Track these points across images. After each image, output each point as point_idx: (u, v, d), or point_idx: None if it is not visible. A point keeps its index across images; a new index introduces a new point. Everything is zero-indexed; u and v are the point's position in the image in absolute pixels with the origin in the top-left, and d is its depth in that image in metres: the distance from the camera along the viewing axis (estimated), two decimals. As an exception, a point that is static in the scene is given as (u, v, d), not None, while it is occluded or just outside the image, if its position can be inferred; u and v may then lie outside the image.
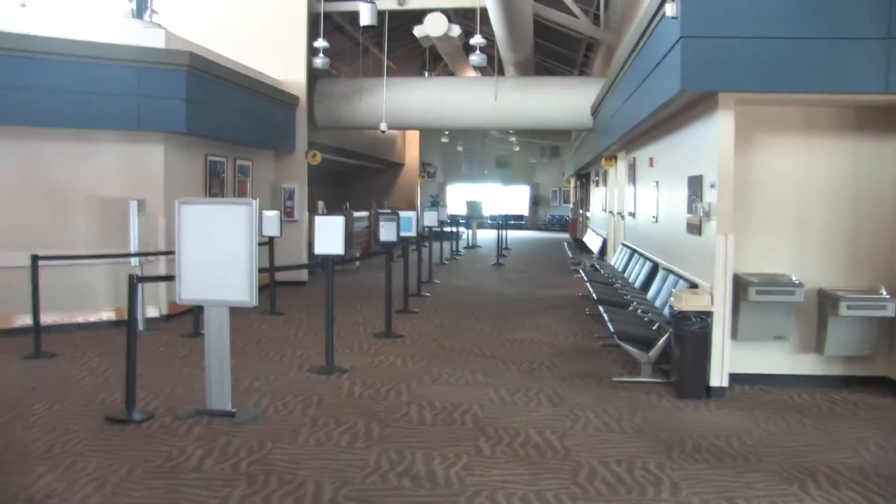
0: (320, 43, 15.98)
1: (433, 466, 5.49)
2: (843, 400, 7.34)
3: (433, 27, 16.25)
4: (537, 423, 6.54)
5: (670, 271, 9.65)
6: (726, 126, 7.29)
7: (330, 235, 8.90)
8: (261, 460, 5.58)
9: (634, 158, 13.74)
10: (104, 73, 10.49)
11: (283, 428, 6.35)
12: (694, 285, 8.15)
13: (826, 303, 7.47)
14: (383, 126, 17.42)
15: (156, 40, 11.23)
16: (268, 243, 12.24)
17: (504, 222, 26.86)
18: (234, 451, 5.76)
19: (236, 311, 6.60)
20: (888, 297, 7.25)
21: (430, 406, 7.04)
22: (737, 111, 7.29)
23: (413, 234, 14.03)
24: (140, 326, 9.89)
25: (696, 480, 5.26)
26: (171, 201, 11.04)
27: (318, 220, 9.10)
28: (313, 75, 17.26)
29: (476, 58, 15.82)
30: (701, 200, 7.92)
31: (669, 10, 7.10)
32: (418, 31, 16.47)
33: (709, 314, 7.35)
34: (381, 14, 15.76)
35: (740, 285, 7.47)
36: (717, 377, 7.37)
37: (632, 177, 14.12)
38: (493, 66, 18.56)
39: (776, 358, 7.79)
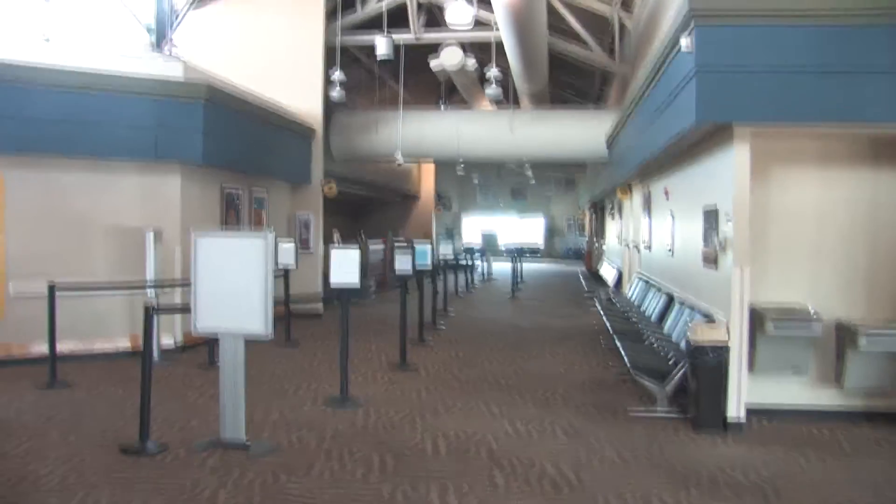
0: (337, 75, 16.13)
1: (448, 499, 5.45)
2: (865, 436, 7.24)
3: (449, 59, 16.36)
4: (552, 456, 6.49)
5: (686, 303, 9.60)
6: (742, 158, 7.28)
7: (346, 267, 8.90)
8: (275, 493, 5.56)
9: (650, 190, 13.73)
10: (123, 104, 10.61)
11: (298, 460, 6.33)
12: (710, 318, 8.11)
13: (844, 335, 7.40)
14: (399, 157, 17.50)
15: (174, 72, 11.35)
16: (283, 274, 12.25)
17: (519, 253, 26.79)
18: (247, 484, 5.73)
19: (251, 342, 6.58)
20: (908, 329, 7.18)
21: (445, 438, 7.00)
22: (752, 143, 7.28)
23: (428, 265, 14.03)
24: (155, 357, 9.90)
25: (713, 516, 5.20)
26: (187, 231, 11.07)
27: (334, 252, 9.12)
28: (330, 107, 17.39)
29: (492, 90, 15.92)
30: (717, 232, 7.90)
31: (685, 43, 7.13)
32: (434, 63, 16.58)
33: (725, 347, 7.30)
34: (397, 46, 15.90)
35: (757, 318, 7.42)
36: (734, 410, 7.30)
37: (647, 208, 14.10)
38: (508, 98, 18.64)
39: (794, 391, 7.71)
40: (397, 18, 17.40)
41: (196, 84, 11.29)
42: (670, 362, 8.30)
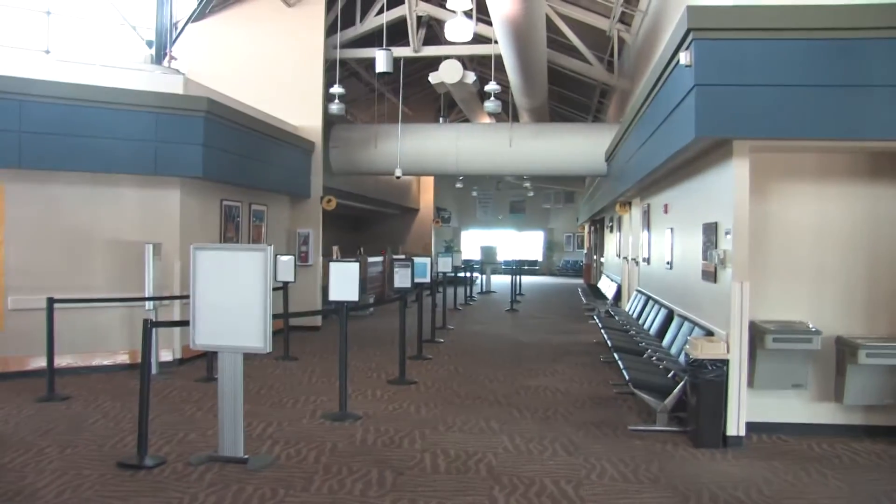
0: (336, 89, 16.16)
1: (447, 516, 5.42)
2: (866, 450, 7.22)
3: (448, 74, 16.38)
4: (552, 472, 6.47)
5: (685, 318, 9.59)
6: (741, 173, 7.28)
7: (345, 282, 8.90)
8: (273, 508, 5.53)
9: (649, 205, 13.74)
10: (123, 118, 10.61)
11: (296, 475, 6.30)
12: (710, 333, 8.09)
13: (844, 350, 7.39)
14: (398, 172, 17.50)
15: (174, 86, 11.38)
16: (282, 288, 12.24)
17: (518, 268, 26.82)
18: (246, 499, 5.71)
19: (249, 356, 6.58)
20: (908, 345, 7.17)
21: (444, 454, 6.98)
22: (752, 158, 7.29)
23: (428, 280, 14.03)
24: (153, 370, 9.88)
25: (714, 532, 5.17)
26: (186, 245, 11.05)
27: (334, 266, 9.11)
28: (329, 121, 17.42)
29: (491, 104, 15.95)
30: (716, 247, 7.90)
31: (683, 58, 7.13)
32: (433, 77, 16.61)
33: (725, 362, 7.28)
34: (396, 61, 15.93)
35: (757, 333, 7.41)
36: (734, 426, 7.28)
37: (646, 223, 14.11)
38: (507, 113, 18.68)
39: (794, 406, 7.69)
40: (397, 33, 17.46)
41: (196, 98, 11.31)
42: (670, 377, 8.28)
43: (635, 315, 13.60)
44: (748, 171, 7.27)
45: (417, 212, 32.87)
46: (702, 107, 6.97)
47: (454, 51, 17.20)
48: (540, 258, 41.93)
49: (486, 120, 22.25)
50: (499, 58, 15.24)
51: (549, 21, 14.51)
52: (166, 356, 11.27)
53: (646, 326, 11.93)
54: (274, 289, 6.72)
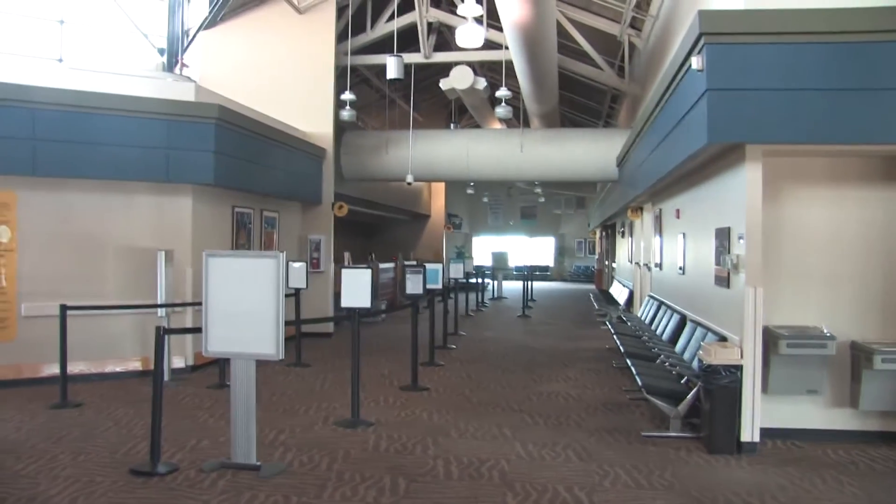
0: (347, 96, 16.17)
1: (460, 523, 5.40)
2: (882, 457, 7.16)
3: (459, 80, 16.39)
4: (565, 479, 6.44)
5: (698, 324, 9.55)
6: (754, 177, 7.25)
7: (357, 288, 8.89)
8: (285, 515, 5.52)
9: (661, 210, 13.69)
10: (135, 125, 10.65)
11: (309, 482, 6.29)
12: (723, 338, 8.05)
13: (859, 356, 7.35)
14: (409, 178, 17.51)
15: (186, 93, 11.41)
16: (294, 295, 12.25)
17: (529, 273, 26.79)
18: (258, 506, 5.70)
19: (262, 363, 6.57)
20: (924, 350, 7.12)
21: (457, 461, 6.96)
22: (764, 162, 7.26)
23: (439, 286, 14.02)
24: (166, 377, 9.90)
25: (729, 539, 5.13)
26: (198, 252, 11.12)
27: (346, 273, 9.11)
28: (340, 127, 17.45)
29: (502, 110, 15.93)
30: (729, 252, 7.86)
31: (695, 63, 7.12)
32: (444, 83, 16.62)
33: (739, 368, 7.24)
34: (407, 67, 15.95)
35: (770, 338, 7.37)
36: (749, 432, 7.23)
37: (658, 228, 14.07)
38: (518, 118, 18.67)
39: (809, 412, 7.64)
40: (407, 39, 17.49)
41: (207, 105, 11.33)
42: (683, 383, 8.24)
43: (647, 320, 13.55)
44: (761, 175, 7.24)
45: (429, 218, 32.87)
46: (714, 111, 6.95)
47: (465, 57, 17.21)
48: (551, 264, 41.88)
49: (497, 126, 22.25)
50: (509, 63, 15.24)
51: (559, 26, 14.51)
52: (178, 363, 11.29)
53: (658, 332, 11.88)
54: (286, 295, 6.71)
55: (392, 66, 14.20)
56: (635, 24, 15.46)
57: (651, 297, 14.56)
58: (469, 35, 12.85)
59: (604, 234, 31.81)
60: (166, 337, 7.61)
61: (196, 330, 7.89)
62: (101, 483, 6.19)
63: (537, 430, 8.13)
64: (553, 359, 13.20)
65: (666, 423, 8.03)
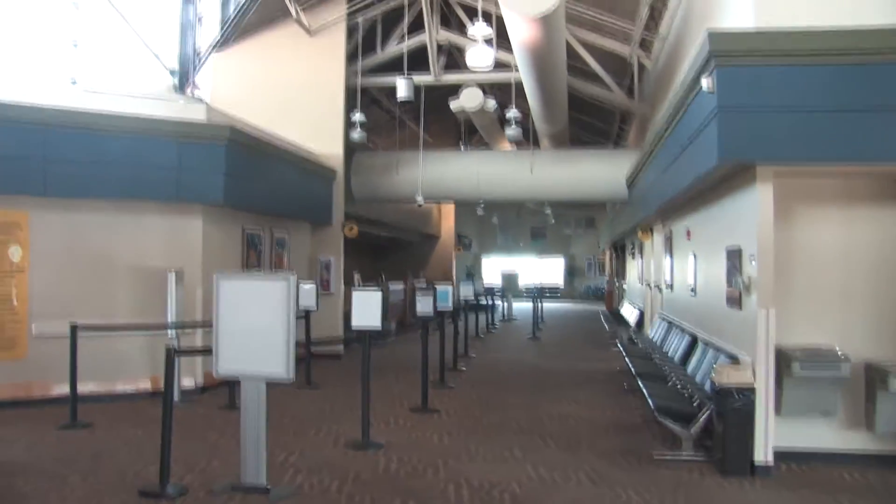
0: (357, 116, 16.22)
1: (471, 546, 5.35)
2: (897, 480, 7.10)
3: (469, 101, 16.43)
4: (577, 502, 6.39)
5: (710, 345, 9.49)
6: (765, 198, 7.23)
7: (367, 310, 8.87)
8: (295, 538, 5.48)
9: (671, 230, 13.66)
10: (147, 146, 10.70)
11: (318, 504, 6.26)
12: (735, 359, 8.00)
13: (874, 377, 7.28)
14: (420, 199, 17.53)
15: (197, 114, 11.45)
16: (304, 316, 12.24)
17: (539, 294, 26.72)
18: (268, 529, 5.66)
19: (272, 384, 6.55)
20: (939, 371, 7.04)
21: (468, 484, 6.91)
22: (775, 182, 7.24)
23: (449, 307, 13.99)
24: (176, 398, 9.88)
25: (743, 564, 5.07)
26: (208, 272, 11.12)
27: (356, 294, 9.10)
28: (351, 148, 17.49)
29: (512, 131, 15.95)
30: (740, 273, 7.82)
31: (706, 83, 7.11)
32: (454, 104, 16.67)
33: (751, 389, 7.19)
34: (417, 88, 16.00)
35: (783, 359, 7.31)
36: (762, 454, 7.17)
37: (668, 248, 14.03)
38: (528, 139, 18.69)
39: (823, 434, 7.57)
40: (417, 60, 17.55)
41: (218, 126, 11.38)
42: (695, 404, 8.18)
43: (658, 341, 13.49)
44: (772, 195, 7.22)
45: (438, 238, 32.87)
46: (725, 132, 6.94)
47: (475, 77, 17.25)
48: (561, 284, 41.79)
49: (507, 146, 22.27)
50: (519, 84, 15.27)
51: (569, 47, 14.53)
52: (188, 383, 11.27)
53: (669, 353, 11.82)
54: (296, 317, 6.71)
55: (402, 87, 14.25)
56: (644, 45, 15.47)
57: (662, 317, 14.50)
58: (479, 56, 12.91)
59: (614, 254, 31.75)
60: (176, 358, 7.60)
61: (207, 351, 7.88)
62: (110, 505, 6.17)
63: (549, 453, 8.08)
64: (564, 380, 13.13)
65: (678, 444, 7.98)
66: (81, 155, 10.29)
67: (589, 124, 23.79)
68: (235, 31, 16.63)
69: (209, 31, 18.92)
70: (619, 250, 29.26)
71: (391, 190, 18.32)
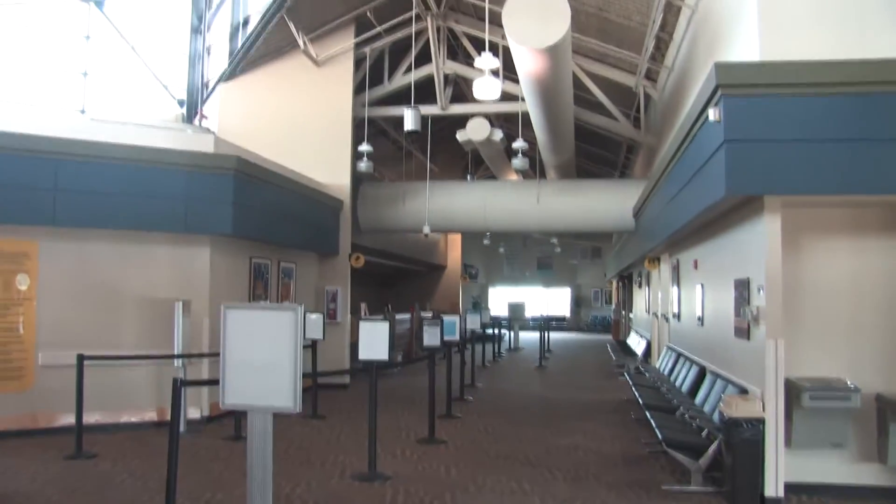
0: (364, 147, 16.29)
1: (478, 580, 5.30)
2: (909, 514, 7.02)
3: (476, 132, 16.51)
4: (585, 535, 6.33)
5: (718, 375, 9.44)
6: (773, 229, 7.21)
7: (375, 341, 8.86)
8: (301, 571, 5.44)
9: (678, 260, 13.64)
10: (155, 176, 10.75)
11: (324, 537, 6.21)
12: (743, 390, 7.95)
13: (886, 408, 7.22)
14: (426, 229, 17.56)
15: (205, 145, 11.52)
16: (311, 346, 12.22)
17: (546, 324, 26.67)
18: (273, 561, 5.62)
19: (278, 415, 6.52)
20: (950, 403, 6.99)
21: (475, 515, 6.85)
22: (783, 213, 7.23)
23: (456, 338, 13.97)
24: (181, 428, 9.85)
25: None
26: (215, 303, 11.15)
27: (363, 325, 9.08)
28: (357, 179, 17.55)
29: (518, 161, 15.98)
30: (749, 304, 7.80)
31: (712, 114, 7.13)
32: (461, 135, 16.74)
33: (761, 421, 7.13)
34: (424, 118, 16.08)
35: (793, 390, 7.26)
36: (772, 487, 7.09)
37: (676, 278, 14.00)
38: (534, 169, 18.74)
39: (835, 467, 7.49)
40: (424, 91, 17.65)
41: (226, 156, 11.44)
42: (703, 436, 8.12)
43: (666, 372, 13.42)
44: (780, 226, 7.20)
45: (445, 268, 32.87)
46: (732, 163, 6.94)
47: (481, 108, 17.35)
48: (568, 314, 41.70)
49: (514, 177, 22.32)
50: (526, 115, 15.35)
51: (575, 78, 14.61)
52: (194, 413, 11.24)
53: (677, 384, 11.76)
54: (303, 346, 6.69)
55: (409, 118, 14.33)
56: (650, 76, 15.56)
57: (669, 348, 14.44)
58: (486, 88, 12.96)
59: (620, 284, 31.69)
60: (183, 388, 7.57)
61: (213, 382, 7.86)
62: (115, 537, 6.13)
63: (556, 485, 8.01)
64: (571, 411, 13.06)
65: (687, 476, 7.91)
66: (90, 185, 10.35)
67: (595, 154, 23.89)
68: (243, 61, 16.77)
69: (217, 61, 19.12)
70: (626, 280, 29.21)
71: (398, 220, 18.37)
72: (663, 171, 11.29)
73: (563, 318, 40.97)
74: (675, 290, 14.16)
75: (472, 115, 17.20)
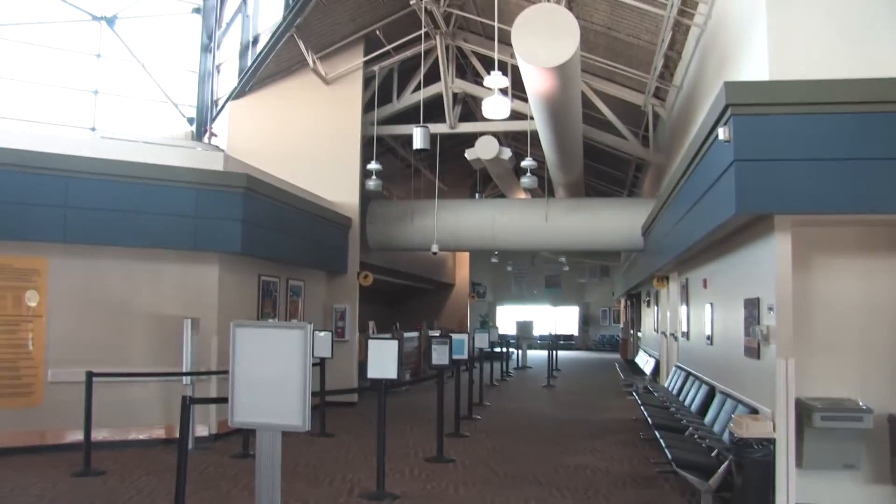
0: (373, 165, 16.32)
1: None
2: (922, 536, 6.95)
3: (484, 150, 16.52)
4: (595, 556, 6.29)
5: (728, 395, 9.39)
6: (783, 248, 7.18)
7: (384, 359, 8.84)
8: (309, 591, 5.41)
9: (687, 279, 13.61)
10: (164, 194, 10.79)
11: (333, 556, 6.18)
12: (754, 410, 7.90)
13: (898, 430, 7.17)
14: (435, 248, 17.55)
15: (215, 163, 11.56)
16: (319, 364, 12.21)
17: (554, 342, 26.62)
18: (282, 581, 5.59)
19: (286, 432, 6.51)
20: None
21: (484, 535, 6.82)
22: (794, 232, 7.19)
23: (465, 356, 13.94)
24: (189, 446, 9.83)
25: None
26: (224, 320, 11.15)
27: (372, 343, 9.07)
28: (366, 197, 17.58)
29: (527, 180, 15.99)
30: (759, 323, 7.76)
31: (722, 133, 7.11)
32: (470, 153, 16.76)
33: (771, 441, 7.08)
34: (432, 137, 16.12)
35: (804, 411, 7.21)
36: (784, 508, 7.03)
37: (684, 297, 13.96)
38: (543, 188, 18.74)
39: (847, 488, 7.42)
40: (433, 109, 17.70)
41: (235, 174, 11.48)
42: (713, 456, 8.07)
43: (675, 391, 13.35)
44: (790, 245, 7.17)
45: (453, 287, 32.84)
46: (742, 182, 6.92)
47: (490, 127, 17.37)
48: (576, 333, 41.60)
49: (522, 195, 22.33)
50: (534, 133, 15.36)
51: (584, 97, 14.63)
52: (202, 431, 11.23)
53: (686, 403, 11.69)
54: (311, 364, 6.68)
55: (418, 137, 14.34)
56: (659, 94, 15.57)
57: (678, 367, 14.38)
58: (495, 107, 12.98)
59: (629, 302, 31.63)
60: (191, 406, 7.57)
61: (222, 400, 7.85)
62: (123, 555, 6.11)
63: (565, 505, 7.97)
64: (579, 430, 13.01)
65: (697, 497, 7.85)
66: (100, 202, 10.40)
67: (604, 173, 23.88)
68: (253, 79, 16.86)
69: (227, 79, 19.24)
70: (634, 299, 29.15)
71: (406, 238, 18.37)
72: (672, 190, 11.27)
73: (571, 337, 40.86)
74: (683, 308, 14.12)
75: (481, 134, 17.22)
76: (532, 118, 14.37)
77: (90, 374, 9.42)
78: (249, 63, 17.23)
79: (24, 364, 10.31)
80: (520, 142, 18.63)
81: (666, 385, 15.06)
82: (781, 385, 7.09)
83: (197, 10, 20.63)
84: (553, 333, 34.30)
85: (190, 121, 20.03)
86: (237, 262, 12.15)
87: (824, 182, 6.78)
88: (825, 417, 7.07)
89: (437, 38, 16.56)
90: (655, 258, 14.92)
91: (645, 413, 11.14)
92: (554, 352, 24.34)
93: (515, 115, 16.09)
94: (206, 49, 20.53)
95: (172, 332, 10.88)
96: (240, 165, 12.17)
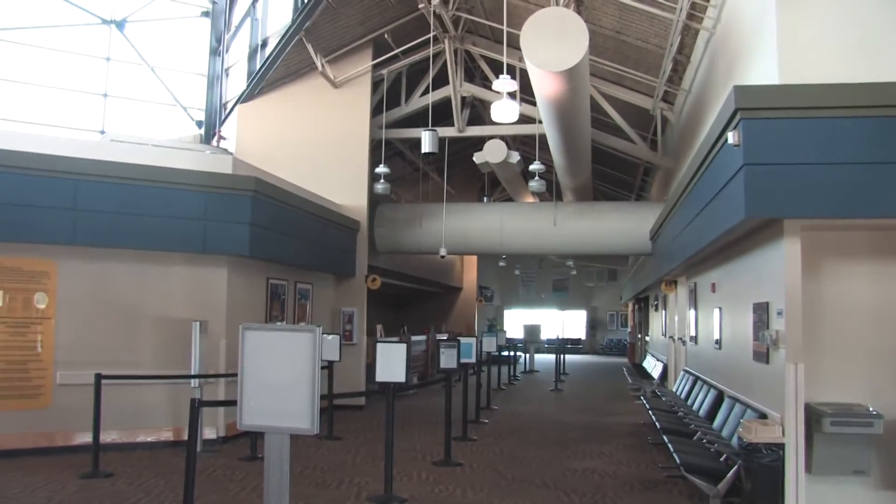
0: (381, 169, 16.34)
1: None
2: (933, 542, 6.91)
3: (492, 154, 16.51)
4: (603, 560, 6.27)
5: (737, 400, 9.36)
6: (792, 252, 7.16)
7: (392, 362, 8.85)
8: None
9: (695, 283, 13.58)
10: (173, 197, 10.82)
11: (341, 559, 6.18)
12: (762, 415, 7.88)
13: (908, 436, 7.13)
14: (443, 251, 17.54)
15: (223, 166, 11.59)
16: (327, 367, 12.22)
17: (562, 346, 26.59)
18: (290, 584, 5.59)
19: (294, 435, 6.51)
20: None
21: (492, 539, 6.81)
22: (803, 236, 7.17)
23: (473, 360, 13.94)
24: (198, 448, 9.85)
25: None
26: (232, 323, 11.17)
27: (380, 347, 9.08)
28: (374, 200, 17.59)
29: (535, 184, 15.98)
30: (768, 328, 7.73)
31: (731, 137, 7.10)
32: (478, 157, 16.75)
33: (781, 446, 7.06)
34: (441, 140, 16.12)
35: (813, 416, 7.17)
36: (793, 513, 7.01)
37: (693, 301, 13.93)
38: (551, 192, 18.73)
39: (858, 494, 7.37)
40: (441, 113, 17.70)
41: (244, 177, 11.50)
42: (722, 461, 8.05)
43: (683, 396, 13.33)
44: (800, 250, 7.15)
45: (461, 290, 32.84)
46: (751, 186, 6.90)
47: (498, 131, 17.37)
48: (583, 337, 41.55)
49: (530, 199, 22.32)
50: (543, 137, 15.34)
51: (592, 101, 14.62)
52: (210, 433, 11.25)
53: (695, 407, 11.67)
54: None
55: (427, 140, 14.35)
56: (667, 98, 15.55)
57: (686, 371, 14.35)
58: (504, 111, 12.99)
59: (636, 307, 31.58)
60: (200, 409, 7.58)
61: (231, 402, 7.86)
62: (131, 557, 6.12)
63: (573, 509, 7.96)
64: (587, 434, 12.99)
65: (705, 501, 7.84)
66: (109, 205, 10.43)
67: (612, 177, 23.85)
68: (262, 83, 16.90)
69: (236, 83, 19.30)
70: (642, 303, 29.10)
71: (414, 242, 18.37)
72: (681, 194, 11.25)
73: (578, 341, 40.83)
74: (692, 313, 14.09)
75: (489, 137, 17.22)
76: (540, 122, 14.36)
77: (99, 377, 9.44)
78: (258, 66, 17.29)
79: (34, 366, 10.35)
80: (528, 145, 18.62)
81: (674, 389, 15.04)
82: (791, 390, 7.07)
83: (206, 14, 20.72)
84: (560, 337, 34.27)
85: (199, 124, 20.11)
86: (246, 264, 12.17)
87: (834, 187, 6.76)
88: (835, 423, 7.03)
89: (446, 41, 16.58)
90: (664, 262, 14.89)
91: (653, 417, 11.12)
92: (561, 356, 24.32)
93: (524, 119, 16.09)
94: (215, 52, 20.61)
95: (181, 335, 10.90)
96: (248, 168, 12.19)
